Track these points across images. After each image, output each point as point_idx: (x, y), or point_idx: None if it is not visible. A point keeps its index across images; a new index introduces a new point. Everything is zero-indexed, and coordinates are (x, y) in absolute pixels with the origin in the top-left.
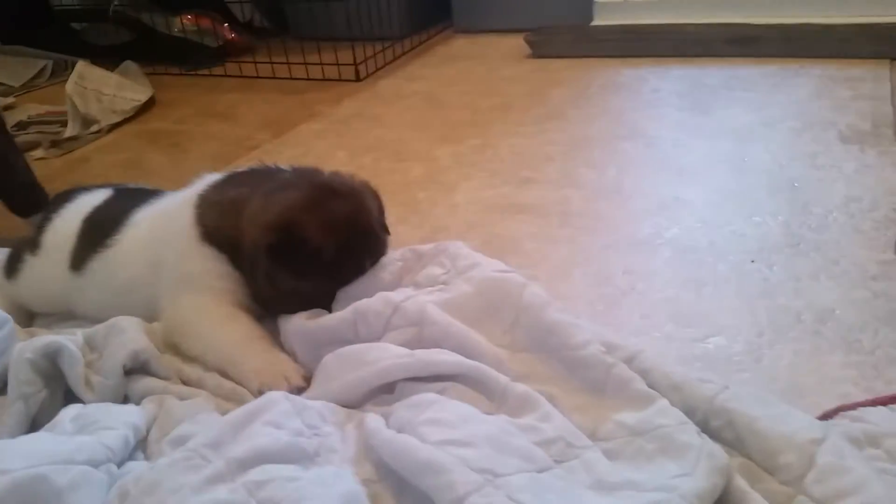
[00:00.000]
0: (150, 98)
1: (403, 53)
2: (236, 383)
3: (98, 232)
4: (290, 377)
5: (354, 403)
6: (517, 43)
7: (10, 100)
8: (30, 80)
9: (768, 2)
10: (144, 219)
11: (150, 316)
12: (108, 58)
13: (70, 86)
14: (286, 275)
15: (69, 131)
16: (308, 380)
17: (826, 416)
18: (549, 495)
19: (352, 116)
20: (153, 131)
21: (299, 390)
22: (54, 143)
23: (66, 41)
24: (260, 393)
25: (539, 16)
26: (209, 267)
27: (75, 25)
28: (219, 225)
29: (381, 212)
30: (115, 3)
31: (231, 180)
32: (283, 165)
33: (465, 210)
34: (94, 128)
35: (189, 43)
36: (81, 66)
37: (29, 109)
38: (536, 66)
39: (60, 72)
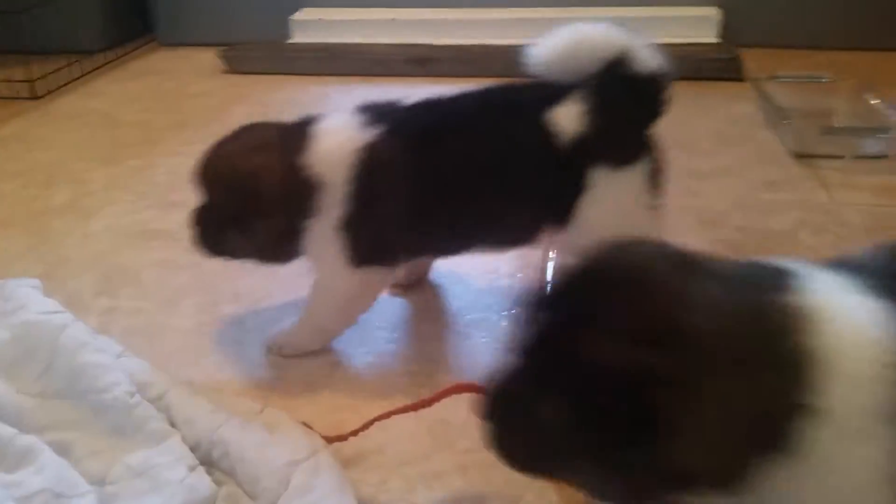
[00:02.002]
0: None
1: (95, 69)
2: None
3: None
4: None
5: None
6: (215, 58)
7: None
8: None
9: (446, 26)
10: None
11: None
12: None
13: None
14: None
15: None
16: None
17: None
18: None
19: (12, 138)
20: None
21: None
22: None
23: None
24: None
25: (240, 31)
26: None
27: None
28: None
29: None
30: None
31: None
32: None
33: (97, 239)
34: None
35: None
36: None
37: None
38: (229, 82)
39: None
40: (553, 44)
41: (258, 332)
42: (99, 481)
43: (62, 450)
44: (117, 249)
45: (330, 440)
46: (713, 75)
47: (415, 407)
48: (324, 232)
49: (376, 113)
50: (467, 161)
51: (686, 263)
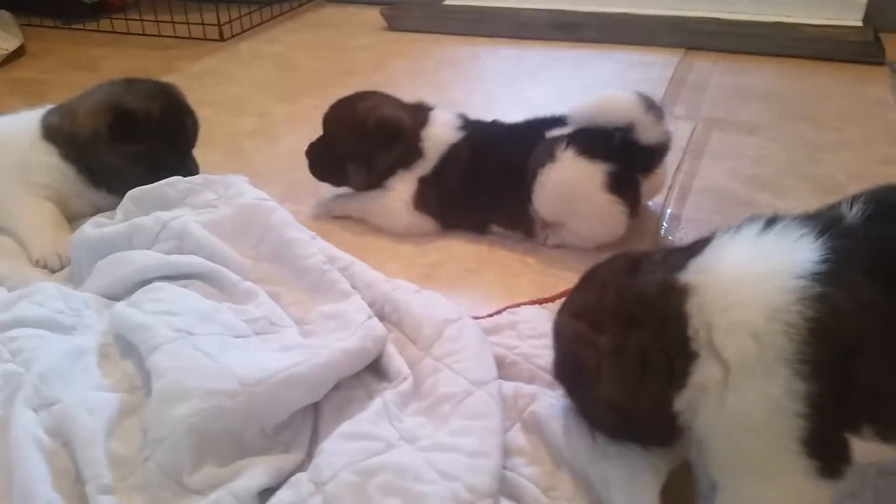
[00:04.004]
0: (19, 47)
1: (272, 18)
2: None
3: None
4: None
5: (120, 295)
6: (378, 15)
7: None
8: None
9: None
10: None
11: None
12: None
13: None
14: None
15: None
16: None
17: (497, 312)
18: (234, 350)
19: (205, 73)
20: (16, 79)
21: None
22: None
23: None
24: (37, 263)
25: None
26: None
27: None
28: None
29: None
30: None
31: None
32: None
33: (282, 158)
34: None
35: None
36: None
37: None
38: (389, 38)
39: None
40: (581, 108)
41: (412, 241)
42: (299, 322)
43: (272, 298)
44: (299, 168)
45: (474, 317)
46: (853, 58)
47: (539, 301)
48: (409, 178)
49: (466, 122)
50: (497, 163)
51: (630, 262)
